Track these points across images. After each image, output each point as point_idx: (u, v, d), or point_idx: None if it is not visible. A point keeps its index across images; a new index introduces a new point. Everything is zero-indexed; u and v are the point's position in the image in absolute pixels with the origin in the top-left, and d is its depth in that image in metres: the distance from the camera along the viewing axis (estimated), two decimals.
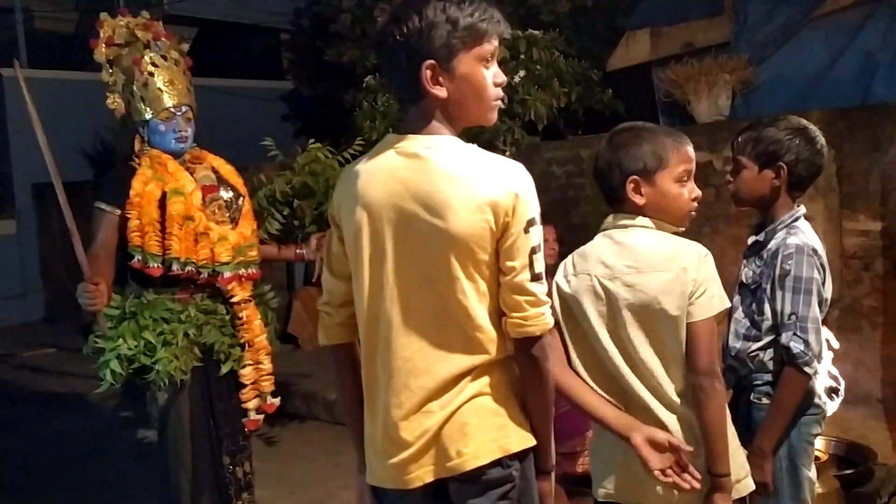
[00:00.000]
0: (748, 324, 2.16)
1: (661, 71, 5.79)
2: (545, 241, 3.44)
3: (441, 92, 1.49)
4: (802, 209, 2.18)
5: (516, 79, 5.86)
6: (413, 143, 1.52)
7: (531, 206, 1.50)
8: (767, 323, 2.11)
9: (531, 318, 1.51)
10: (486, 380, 1.55)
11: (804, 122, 2.20)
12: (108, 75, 2.83)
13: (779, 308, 2.07)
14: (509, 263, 1.49)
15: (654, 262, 1.78)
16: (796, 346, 2.02)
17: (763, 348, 2.13)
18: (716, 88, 5.26)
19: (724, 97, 5.31)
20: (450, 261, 1.48)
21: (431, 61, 1.47)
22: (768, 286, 2.10)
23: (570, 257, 1.91)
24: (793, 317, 2.04)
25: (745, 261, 2.24)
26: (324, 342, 1.71)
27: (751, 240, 2.24)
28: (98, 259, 2.66)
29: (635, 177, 1.82)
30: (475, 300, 1.51)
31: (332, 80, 9.10)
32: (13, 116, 8.85)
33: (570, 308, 1.85)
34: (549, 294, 1.73)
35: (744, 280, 2.19)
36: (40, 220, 9.12)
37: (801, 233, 2.12)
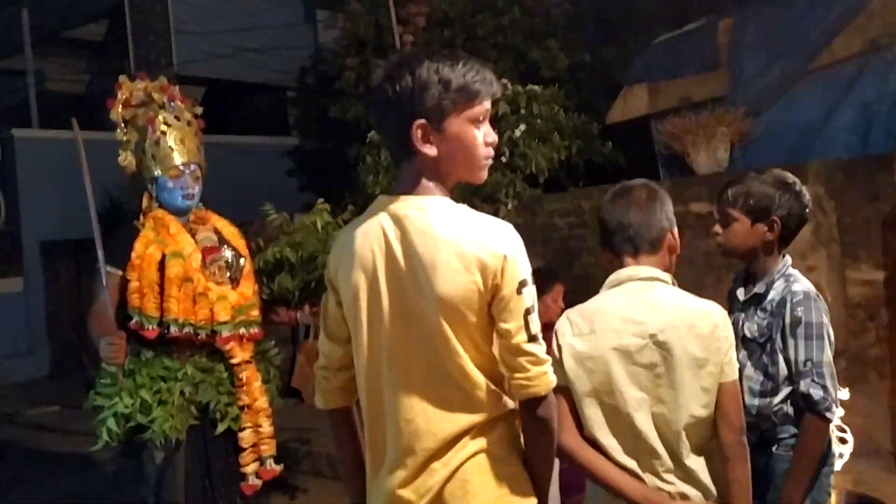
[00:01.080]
0: (761, 378, 2.14)
1: (660, 124, 5.88)
2: (554, 300, 3.44)
3: (431, 151, 1.49)
4: (789, 259, 2.21)
5: (517, 133, 5.95)
6: (404, 204, 1.52)
7: (521, 267, 1.49)
8: (783, 374, 2.10)
9: (534, 377, 1.50)
10: (486, 437, 1.54)
11: (791, 176, 2.23)
12: (122, 134, 2.89)
13: (793, 356, 2.06)
14: (504, 326, 1.48)
15: (689, 319, 1.78)
16: (816, 393, 2.01)
17: (784, 400, 2.11)
18: (714, 141, 5.33)
19: (723, 149, 5.38)
20: (440, 322, 1.47)
21: (422, 121, 1.47)
22: (778, 336, 2.10)
23: (573, 314, 1.86)
24: (808, 363, 2.04)
25: (741, 315, 2.22)
26: (322, 406, 1.70)
27: (741, 293, 2.24)
28: (101, 316, 2.70)
29: (674, 230, 1.86)
30: (469, 360, 1.50)
31: (337, 136, 9.24)
32: (23, 176, 8.99)
33: (588, 368, 1.79)
34: (559, 355, 1.74)
35: (748, 335, 2.17)
36: (47, 277, 9.17)
37: (800, 280, 2.14)
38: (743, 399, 2.13)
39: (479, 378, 1.51)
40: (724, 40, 5.88)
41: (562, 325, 1.83)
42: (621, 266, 1.86)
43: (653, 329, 1.76)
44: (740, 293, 2.25)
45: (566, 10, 8.51)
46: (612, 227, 1.87)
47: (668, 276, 1.85)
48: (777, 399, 2.11)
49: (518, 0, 8.48)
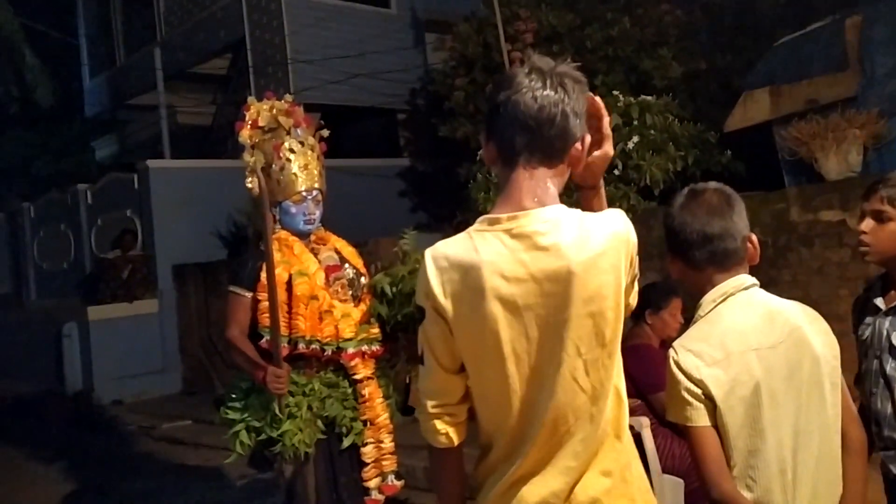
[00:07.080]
0: None
1: (784, 129, 5.61)
2: (672, 315, 3.30)
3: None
4: None
5: (630, 145, 5.83)
6: (526, 220, 1.44)
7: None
8: None
9: None
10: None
11: None
12: (249, 157, 2.99)
13: None
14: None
15: (808, 320, 1.70)
16: None
17: None
18: (845, 144, 5.03)
19: (855, 153, 5.07)
20: (603, 331, 1.44)
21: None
22: None
23: (694, 344, 1.67)
24: None
25: (885, 321, 2.07)
26: (449, 444, 1.55)
27: (881, 301, 2.09)
28: (237, 339, 2.81)
29: (752, 235, 1.75)
30: (619, 366, 1.49)
31: (447, 156, 9.35)
32: (157, 204, 9.58)
33: (740, 395, 1.62)
34: (698, 391, 1.62)
35: None
36: (179, 299, 9.70)
37: None
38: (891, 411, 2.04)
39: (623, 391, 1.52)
40: (853, 38, 5.55)
41: (686, 359, 1.64)
42: (703, 278, 1.73)
43: (782, 336, 1.65)
44: (879, 301, 2.10)
45: (678, 17, 8.30)
46: (692, 240, 1.73)
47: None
48: None
49: (628, 11, 8.35)
